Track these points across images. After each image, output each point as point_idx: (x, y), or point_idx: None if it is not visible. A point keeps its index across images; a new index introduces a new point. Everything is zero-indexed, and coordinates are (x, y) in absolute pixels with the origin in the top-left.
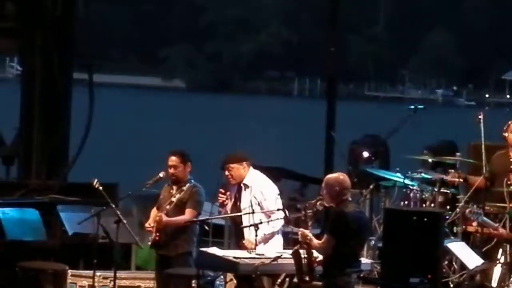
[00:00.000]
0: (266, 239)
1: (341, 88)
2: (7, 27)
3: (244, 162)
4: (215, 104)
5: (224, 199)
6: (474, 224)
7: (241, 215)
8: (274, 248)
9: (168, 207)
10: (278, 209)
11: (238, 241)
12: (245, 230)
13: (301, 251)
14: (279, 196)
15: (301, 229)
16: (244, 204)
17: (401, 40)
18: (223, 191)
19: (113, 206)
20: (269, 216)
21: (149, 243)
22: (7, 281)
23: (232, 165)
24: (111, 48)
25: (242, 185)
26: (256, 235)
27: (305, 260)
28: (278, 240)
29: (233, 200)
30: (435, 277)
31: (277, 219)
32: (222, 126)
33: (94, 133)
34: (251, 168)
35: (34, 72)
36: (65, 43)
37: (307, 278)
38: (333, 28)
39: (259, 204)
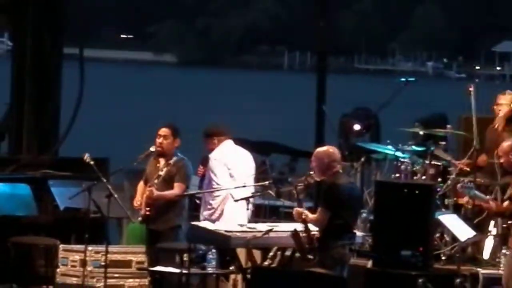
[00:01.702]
0: (212, 220)
1: (332, 61)
2: None
3: (215, 137)
4: (205, 79)
5: (203, 172)
6: (465, 199)
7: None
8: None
9: (156, 181)
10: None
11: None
12: (202, 207)
13: (299, 230)
14: (235, 177)
15: (295, 208)
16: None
17: (392, 12)
18: (201, 166)
19: (104, 180)
20: (210, 195)
21: (139, 218)
22: (0, 256)
23: (204, 139)
24: (102, 23)
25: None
26: (248, 209)
27: (305, 238)
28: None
29: None
30: (427, 249)
31: (218, 196)
32: (213, 100)
33: (85, 108)
34: (226, 142)
35: (25, 47)
36: (56, 18)
37: (310, 257)
38: (322, 2)
39: (209, 180)
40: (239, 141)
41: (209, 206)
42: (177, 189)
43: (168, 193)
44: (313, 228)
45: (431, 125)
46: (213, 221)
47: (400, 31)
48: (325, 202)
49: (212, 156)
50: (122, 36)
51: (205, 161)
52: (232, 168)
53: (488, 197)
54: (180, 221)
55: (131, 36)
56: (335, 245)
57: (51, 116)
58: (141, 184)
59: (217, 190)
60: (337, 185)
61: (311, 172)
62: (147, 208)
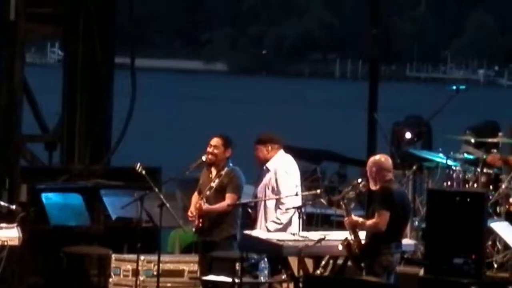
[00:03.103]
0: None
1: (383, 69)
2: (50, 13)
3: (269, 145)
4: (257, 87)
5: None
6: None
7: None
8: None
9: (208, 192)
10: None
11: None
12: (260, 218)
13: (349, 239)
14: (298, 188)
15: (346, 217)
16: (260, 187)
17: (443, 20)
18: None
19: (156, 190)
20: (280, 205)
21: (193, 229)
22: (52, 266)
23: (257, 146)
24: (153, 33)
25: (264, 168)
26: (299, 218)
27: (356, 247)
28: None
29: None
30: (479, 257)
31: (287, 209)
32: (265, 108)
33: (136, 117)
34: (280, 152)
35: (77, 57)
36: (107, 28)
37: (363, 265)
38: (375, 10)
39: (273, 190)
40: (290, 149)
41: (277, 221)
42: (228, 200)
43: (217, 206)
44: (363, 236)
45: (482, 133)
46: None
47: (451, 39)
48: (382, 203)
49: (280, 167)
50: (174, 45)
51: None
52: (295, 179)
53: None
54: (235, 231)
55: (182, 45)
56: (383, 252)
57: (103, 125)
58: (195, 195)
59: (269, 199)
60: (390, 189)
61: (360, 181)
62: (200, 220)
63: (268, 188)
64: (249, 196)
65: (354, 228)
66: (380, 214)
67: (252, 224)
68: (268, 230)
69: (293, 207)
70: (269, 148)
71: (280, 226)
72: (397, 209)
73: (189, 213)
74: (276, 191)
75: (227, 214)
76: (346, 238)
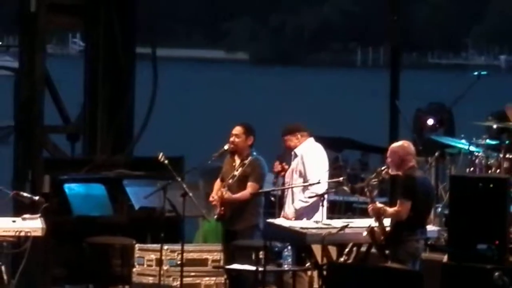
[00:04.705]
0: (300, 214)
1: (404, 57)
2: (71, 4)
3: (298, 133)
4: (278, 77)
5: (280, 169)
6: None
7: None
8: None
9: (230, 181)
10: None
11: (280, 211)
12: (287, 202)
13: (374, 226)
14: (326, 172)
15: (370, 204)
16: (288, 172)
17: (464, 6)
18: (278, 162)
19: (179, 179)
20: (307, 188)
21: (215, 217)
22: (76, 257)
23: (286, 137)
24: (174, 22)
25: (292, 153)
26: (322, 205)
27: (380, 234)
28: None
29: None
30: (503, 243)
31: (311, 192)
32: (286, 98)
33: (158, 107)
34: (309, 139)
35: (98, 48)
36: (128, 18)
37: (387, 252)
38: None
39: (300, 174)
40: (312, 137)
41: (303, 199)
42: (249, 189)
43: (239, 195)
44: (387, 224)
45: (504, 119)
46: (303, 215)
47: (472, 25)
48: (404, 192)
49: (308, 151)
50: (194, 34)
51: (283, 158)
52: (324, 165)
53: None
54: (256, 220)
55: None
56: (409, 239)
57: (125, 116)
58: (217, 181)
59: (287, 188)
60: (413, 177)
61: (383, 168)
62: (222, 208)
63: (296, 173)
64: (270, 185)
65: (378, 215)
66: (401, 203)
67: (278, 211)
68: (295, 209)
69: (317, 195)
70: (299, 136)
71: (307, 205)
72: (420, 197)
73: (211, 198)
74: (304, 175)
75: (249, 203)
76: (370, 225)
